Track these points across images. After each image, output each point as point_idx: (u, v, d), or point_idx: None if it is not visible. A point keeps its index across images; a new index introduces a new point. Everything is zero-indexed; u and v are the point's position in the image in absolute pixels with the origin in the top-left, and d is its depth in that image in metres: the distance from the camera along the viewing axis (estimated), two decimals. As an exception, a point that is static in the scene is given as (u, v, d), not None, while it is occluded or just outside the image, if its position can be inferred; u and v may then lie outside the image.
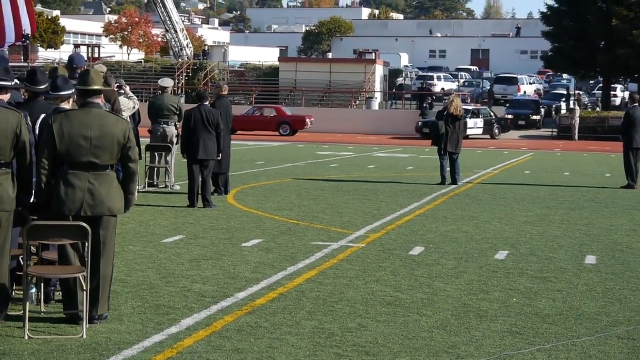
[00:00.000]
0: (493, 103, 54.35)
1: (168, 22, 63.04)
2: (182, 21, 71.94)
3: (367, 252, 10.82)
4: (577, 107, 46.77)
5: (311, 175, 21.64)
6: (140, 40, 75.61)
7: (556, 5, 53.31)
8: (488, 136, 44.25)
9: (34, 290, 7.52)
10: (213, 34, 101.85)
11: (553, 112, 53.08)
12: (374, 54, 62.92)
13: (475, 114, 43.35)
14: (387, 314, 7.75)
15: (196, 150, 14.59)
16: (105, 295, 7.20)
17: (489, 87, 59.47)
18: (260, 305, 7.96)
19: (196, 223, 12.87)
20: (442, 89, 61.01)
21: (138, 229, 12.13)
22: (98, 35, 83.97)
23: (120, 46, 75.68)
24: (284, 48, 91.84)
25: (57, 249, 7.23)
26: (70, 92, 7.83)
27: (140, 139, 15.16)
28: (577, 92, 58.14)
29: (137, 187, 14.75)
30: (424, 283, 9.09)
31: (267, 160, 26.29)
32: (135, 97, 15.47)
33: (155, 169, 17.58)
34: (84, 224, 6.87)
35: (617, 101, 58.00)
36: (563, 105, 54.64)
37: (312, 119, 44.67)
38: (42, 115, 7.64)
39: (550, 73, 72.17)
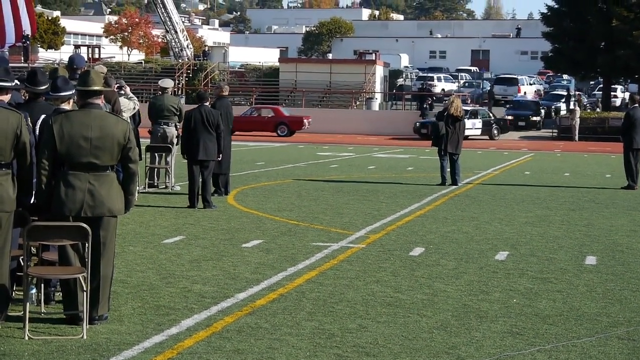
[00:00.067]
0: (493, 104, 54.36)
1: (168, 23, 63.07)
2: (183, 22, 71.92)
3: (368, 253, 10.82)
4: (577, 108, 46.77)
5: (311, 176, 21.64)
6: (141, 41, 75.61)
7: (556, 6, 53.31)
8: (487, 137, 44.25)
9: (34, 291, 7.52)
10: (213, 35, 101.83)
11: (553, 113, 53.11)
12: (374, 54, 62.93)
13: (473, 114, 43.32)
14: (387, 315, 7.75)
15: (196, 151, 14.60)
16: (105, 296, 7.20)
17: (489, 88, 59.47)
18: (261, 306, 7.96)
19: (196, 224, 12.87)
20: (443, 89, 61.02)
21: (138, 230, 12.13)
22: (98, 36, 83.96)
23: (121, 47, 75.69)
24: (284, 49, 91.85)
25: (57, 249, 7.23)
26: (70, 93, 7.83)
27: (141, 140, 15.18)
28: (577, 93, 58.14)
29: (138, 187, 14.76)
30: (424, 284, 9.09)
31: (267, 161, 26.30)
32: (136, 98, 15.47)
33: (156, 169, 17.58)
34: (84, 225, 6.87)
35: (618, 102, 58.00)
36: (563, 106, 54.65)
37: (310, 120, 44.68)
38: (43, 116, 7.64)
39: (550, 74, 72.20)
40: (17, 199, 6.99)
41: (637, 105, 20.09)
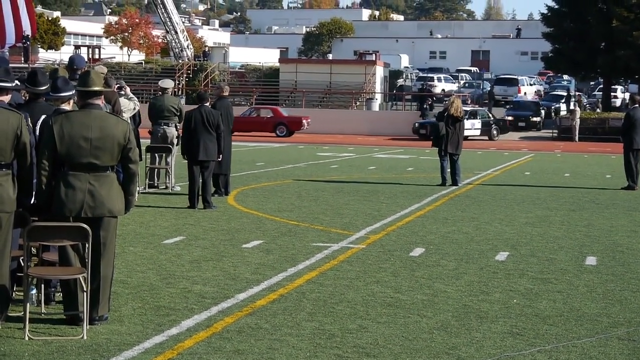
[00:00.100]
0: (493, 104, 54.36)
1: (168, 24, 63.08)
2: (183, 22, 71.94)
3: (368, 254, 10.82)
4: (577, 109, 46.78)
5: (312, 176, 21.64)
6: (141, 41, 75.63)
7: (557, 7, 53.31)
8: (486, 137, 44.25)
9: (34, 291, 7.52)
10: (213, 35, 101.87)
11: (552, 114, 53.11)
12: (374, 55, 62.88)
13: (473, 115, 43.30)
14: (387, 315, 7.75)
15: (197, 152, 14.60)
16: (105, 296, 7.20)
17: (489, 89, 59.49)
18: (261, 306, 7.96)
19: (197, 224, 12.87)
20: (443, 90, 60.99)
21: (138, 230, 12.13)
22: (98, 37, 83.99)
23: (121, 47, 75.72)
24: (285, 49, 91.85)
25: (57, 250, 7.23)
26: (70, 93, 7.83)
27: (141, 140, 15.20)
28: (577, 93, 58.14)
29: (138, 188, 14.76)
30: (424, 284, 9.09)
31: (267, 162, 26.30)
32: (136, 99, 15.48)
33: (156, 170, 17.58)
34: (85, 225, 6.87)
35: (618, 102, 57.99)
36: (562, 106, 54.66)
37: (309, 120, 44.67)
38: (43, 117, 7.64)
39: (550, 74, 72.20)
40: (18, 200, 6.99)
41: (637, 105, 20.09)
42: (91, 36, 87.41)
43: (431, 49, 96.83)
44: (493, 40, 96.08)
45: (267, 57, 72.07)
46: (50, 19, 77.84)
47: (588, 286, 9.22)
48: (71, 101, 7.88)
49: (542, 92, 63.20)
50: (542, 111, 52.52)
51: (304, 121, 44.20)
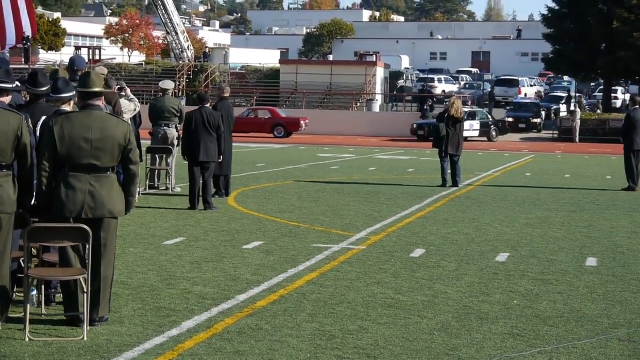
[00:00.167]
0: (494, 105, 54.36)
1: (169, 24, 63.10)
2: (183, 23, 71.94)
3: (368, 254, 10.82)
4: (578, 109, 46.79)
5: (312, 177, 21.64)
6: (141, 42, 75.65)
7: (557, 8, 53.31)
8: (485, 138, 44.24)
9: (34, 292, 7.52)
10: (214, 36, 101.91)
11: (552, 115, 53.09)
12: (374, 56, 62.88)
13: (471, 116, 43.28)
14: (387, 316, 7.75)
15: (197, 153, 14.60)
16: (106, 297, 7.20)
17: (489, 89, 59.50)
18: (261, 307, 7.96)
19: (197, 225, 12.87)
20: (443, 91, 60.98)
21: (139, 231, 12.13)
22: (99, 38, 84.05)
23: (121, 48, 75.73)
24: (285, 50, 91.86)
25: (57, 251, 7.23)
26: (71, 94, 7.83)
27: (141, 141, 15.20)
28: (577, 94, 58.14)
29: (138, 189, 14.75)
30: (424, 285, 9.09)
31: (267, 163, 26.30)
32: (136, 99, 15.47)
33: (156, 171, 17.59)
34: (85, 226, 6.87)
35: (618, 103, 58.00)
36: (562, 107, 54.64)
37: (307, 121, 44.66)
38: (43, 118, 7.64)
39: (551, 75, 72.19)
40: (18, 200, 6.99)
41: (637, 106, 20.09)
42: (91, 37, 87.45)
43: (431, 50, 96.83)
44: (493, 41, 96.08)
45: (267, 58, 72.10)
46: (50, 19, 77.88)
47: (588, 287, 9.22)
48: (71, 102, 7.88)
49: (542, 93, 63.23)
50: (543, 112, 52.53)
51: (301, 122, 44.19)
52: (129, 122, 13.55)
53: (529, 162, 30.28)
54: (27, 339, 6.67)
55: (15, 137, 6.90)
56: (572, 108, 49.45)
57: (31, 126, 7.34)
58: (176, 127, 17.39)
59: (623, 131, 20.30)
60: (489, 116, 46.29)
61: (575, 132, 45.21)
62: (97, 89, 7.25)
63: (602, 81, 55.88)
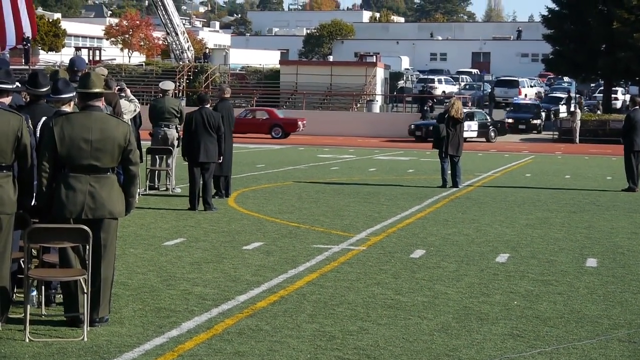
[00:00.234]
0: (494, 106, 54.36)
1: (169, 25, 63.10)
2: (183, 24, 71.94)
3: (368, 255, 10.82)
4: (578, 110, 46.78)
5: (312, 178, 21.64)
6: (142, 43, 75.67)
7: (557, 9, 53.30)
8: (484, 139, 44.22)
9: (34, 293, 7.52)
10: (214, 37, 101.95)
11: (552, 116, 53.08)
12: (375, 57, 62.88)
13: (469, 116, 43.25)
14: (388, 317, 7.75)
15: (197, 153, 14.60)
16: (106, 298, 7.20)
17: (490, 90, 59.50)
18: (261, 308, 7.96)
19: (197, 226, 12.87)
20: (443, 92, 60.98)
21: (139, 232, 12.13)
22: (99, 38, 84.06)
23: (122, 49, 75.76)
24: (285, 51, 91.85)
25: (58, 251, 7.23)
26: (71, 95, 7.84)
27: (142, 142, 15.20)
28: (576, 95, 58.15)
29: (138, 190, 14.76)
30: (425, 286, 9.08)
31: (267, 163, 26.31)
32: (137, 100, 15.48)
33: (157, 171, 17.59)
34: (85, 227, 6.87)
35: (618, 104, 58.01)
36: (561, 108, 54.62)
37: (305, 122, 44.64)
38: (44, 118, 7.64)
39: (551, 76, 72.19)
40: (18, 201, 7.00)
41: (637, 107, 20.09)
42: (92, 38, 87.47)
43: (432, 51, 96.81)
44: (493, 42, 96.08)
45: (267, 58, 72.11)
46: (50, 20, 77.89)
47: (588, 288, 9.22)
48: (72, 103, 7.88)
49: (543, 94, 63.23)
50: (543, 113, 52.53)
51: (299, 123, 44.18)
52: (129, 123, 13.55)
53: (529, 163, 30.28)
54: (27, 340, 6.67)
55: (16, 138, 6.90)
56: (572, 109, 49.45)
57: (31, 127, 7.34)
58: (176, 128, 17.39)
59: (623, 132, 20.30)
60: (488, 117, 46.28)
61: (576, 133, 45.21)
62: (97, 90, 7.25)
63: (603, 82, 55.88)
